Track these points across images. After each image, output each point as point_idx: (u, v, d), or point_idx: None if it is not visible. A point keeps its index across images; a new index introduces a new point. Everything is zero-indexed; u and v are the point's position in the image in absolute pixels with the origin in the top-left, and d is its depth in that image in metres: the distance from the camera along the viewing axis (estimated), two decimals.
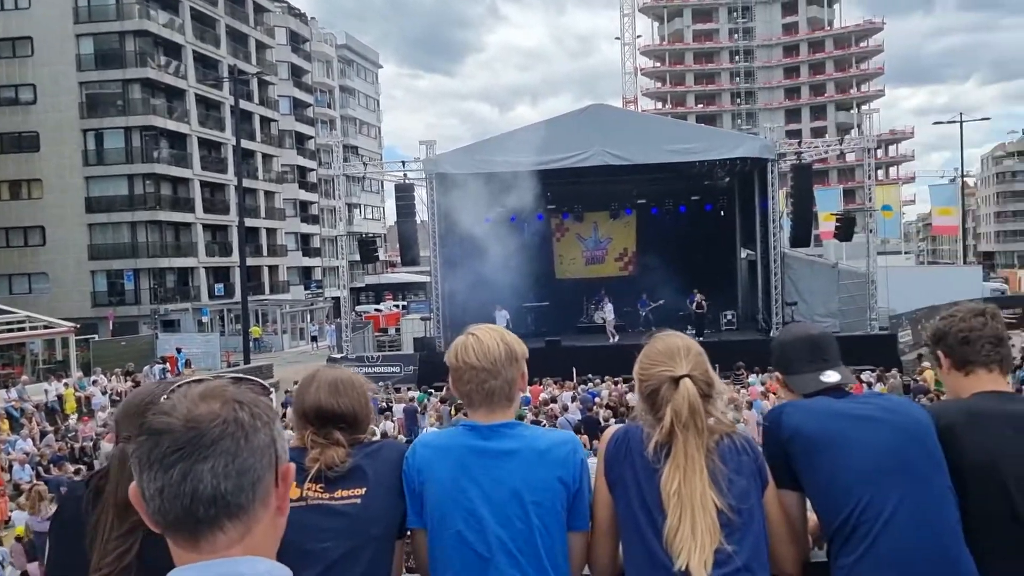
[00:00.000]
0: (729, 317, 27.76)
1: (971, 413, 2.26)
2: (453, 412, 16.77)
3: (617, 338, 25.66)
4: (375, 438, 2.40)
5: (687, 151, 25.09)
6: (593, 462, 2.27)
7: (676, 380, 2.13)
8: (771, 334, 24.95)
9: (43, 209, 40.55)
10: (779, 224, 26.35)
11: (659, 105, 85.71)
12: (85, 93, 41.32)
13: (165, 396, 1.15)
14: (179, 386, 1.17)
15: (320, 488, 2.11)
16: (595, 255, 31.60)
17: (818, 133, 70.91)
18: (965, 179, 56.64)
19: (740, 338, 25.46)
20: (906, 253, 56.31)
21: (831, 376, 2.34)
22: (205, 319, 41.56)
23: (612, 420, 15.28)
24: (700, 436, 2.09)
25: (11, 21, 40.74)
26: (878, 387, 18.35)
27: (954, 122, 48.69)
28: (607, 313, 26.87)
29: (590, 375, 21.11)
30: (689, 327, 23.36)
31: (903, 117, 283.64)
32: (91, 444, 17.66)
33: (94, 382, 24.51)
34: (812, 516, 2.30)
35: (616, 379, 19.44)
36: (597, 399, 17.90)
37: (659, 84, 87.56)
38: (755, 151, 25.35)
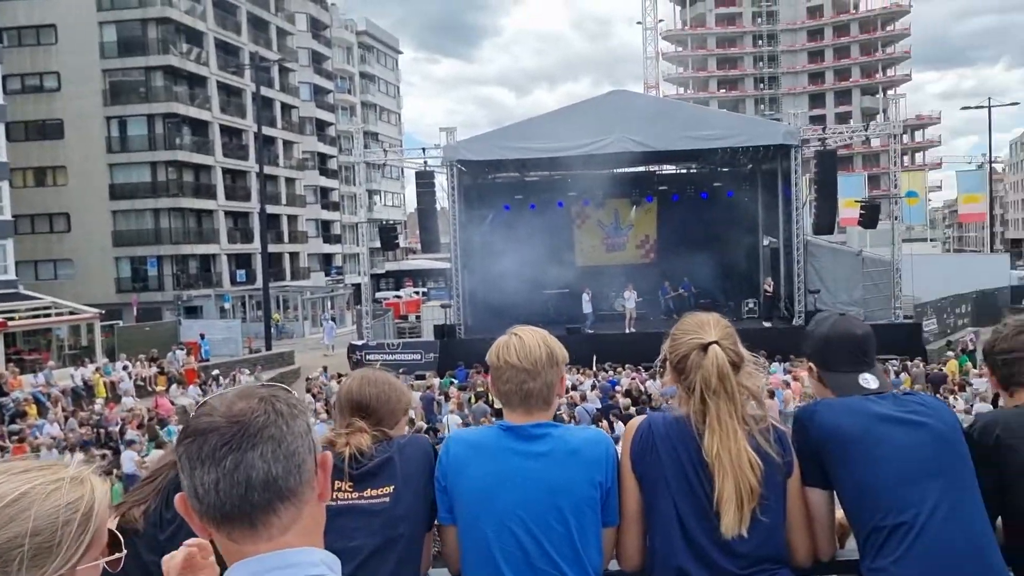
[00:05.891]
0: (751, 305, 27.56)
1: None
2: (474, 400, 16.81)
3: (634, 329, 25.59)
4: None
5: (709, 137, 24.88)
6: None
7: (705, 347, 2.14)
8: (793, 322, 24.76)
9: (68, 196, 40.91)
10: (802, 211, 26.09)
11: (681, 90, 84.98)
12: (108, 80, 41.57)
13: (200, 405, 1.25)
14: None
15: (349, 487, 2.16)
16: (616, 242, 31.46)
17: (843, 118, 69.98)
18: (993, 165, 55.72)
19: (762, 326, 25.30)
20: (932, 240, 55.67)
21: (870, 382, 2.29)
22: (227, 305, 41.89)
23: (632, 408, 15.26)
24: (732, 402, 2.10)
25: (35, 9, 40.97)
26: (902, 376, 18.18)
27: (982, 107, 47.92)
28: (628, 302, 26.72)
29: (609, 363, 21.07)
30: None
31: (930, 102, 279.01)
32: (117, 429, 17.85)
33: (124, 368, 24.78)
34: (839, 513, 2.26)
35: (636, 367, 19.34)
36: (617, 387, 17.87)
37: (681, 69, 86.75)
38: (778, 137, 25.06)
